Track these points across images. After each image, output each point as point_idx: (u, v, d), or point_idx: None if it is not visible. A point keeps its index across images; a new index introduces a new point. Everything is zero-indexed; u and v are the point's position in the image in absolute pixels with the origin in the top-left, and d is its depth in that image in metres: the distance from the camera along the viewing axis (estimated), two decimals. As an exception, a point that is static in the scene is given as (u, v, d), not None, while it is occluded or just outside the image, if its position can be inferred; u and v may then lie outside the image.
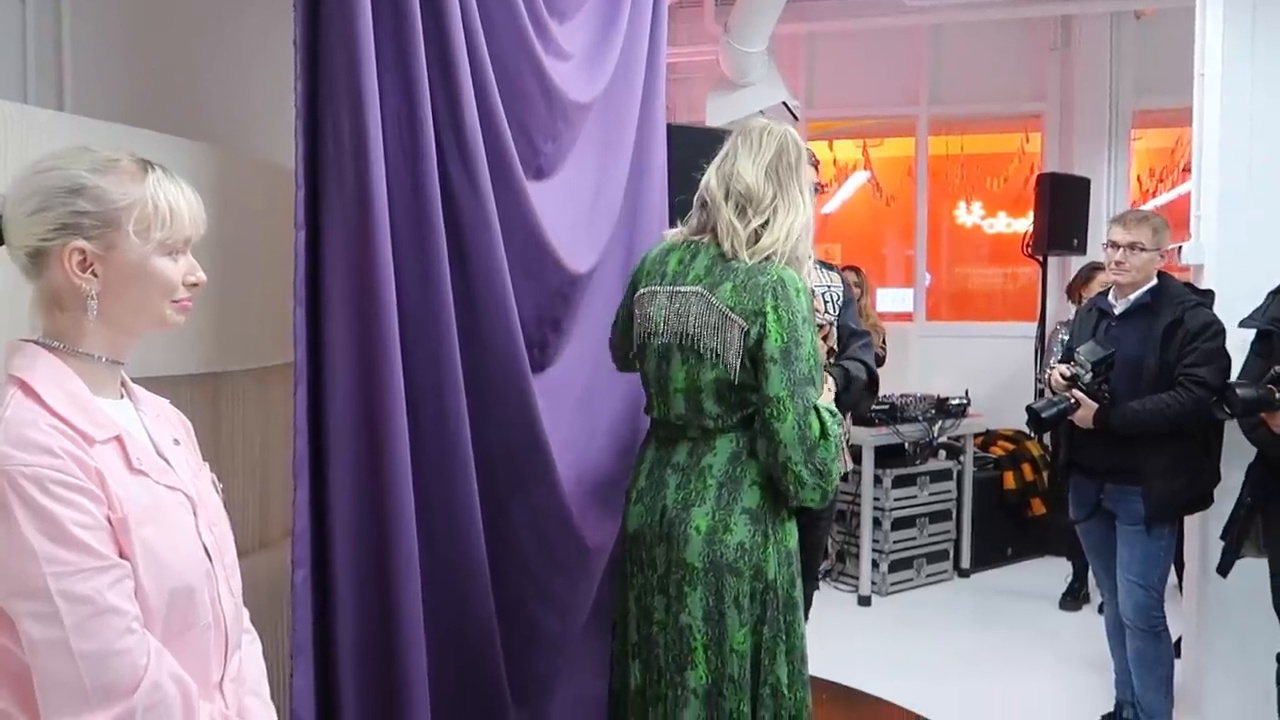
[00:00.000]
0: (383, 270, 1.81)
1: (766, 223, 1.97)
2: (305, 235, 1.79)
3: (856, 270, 5.29)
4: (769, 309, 1.89)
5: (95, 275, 1.12)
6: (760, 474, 1.95)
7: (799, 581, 2.02)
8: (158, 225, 1.14)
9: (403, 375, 1.86)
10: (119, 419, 1.17)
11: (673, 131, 2.93)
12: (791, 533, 2.01)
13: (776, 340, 1.88)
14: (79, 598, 1.03)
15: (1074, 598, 4.55)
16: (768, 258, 1.94)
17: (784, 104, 5.19)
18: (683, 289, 1.99)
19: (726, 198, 1.99)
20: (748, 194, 1.98)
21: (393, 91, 1.87)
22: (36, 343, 1.14)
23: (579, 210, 2.51)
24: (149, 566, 1.10)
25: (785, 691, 1.95)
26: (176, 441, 1.27)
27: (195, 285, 1.20)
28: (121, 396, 1.22)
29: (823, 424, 1.90)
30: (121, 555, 1.09)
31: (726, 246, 1.97)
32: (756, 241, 1.96)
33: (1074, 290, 4.61)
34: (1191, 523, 3.30)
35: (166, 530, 1.14)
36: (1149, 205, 6.40)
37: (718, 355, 1.92)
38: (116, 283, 1.14)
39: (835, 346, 2.67)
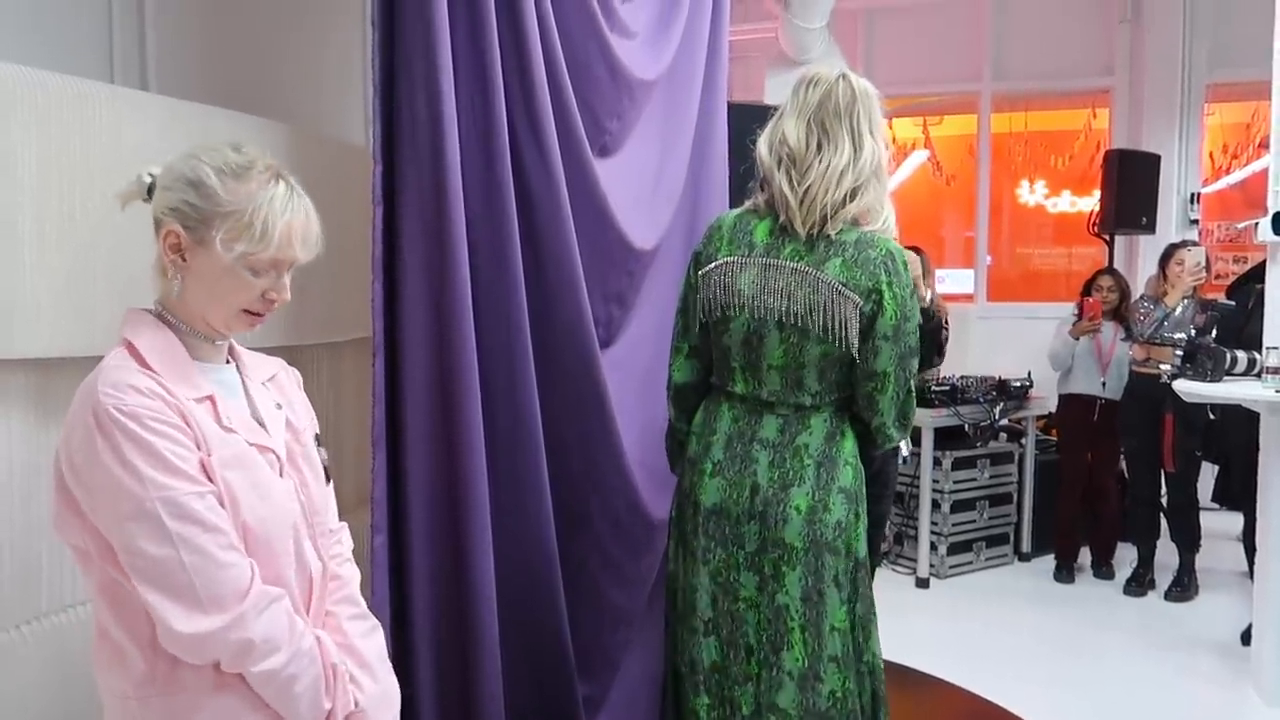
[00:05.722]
0: (457, 245, 1.85)
1: (813, 181, 1.86)
2: (382, 211, 1.82)
3: (918, 251, 5.21)
4: (884, 286, 1.85)
5: (184, 260, 1.21)
6: (852, 453, 1.96)
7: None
8: (244, 240, 1.21)
9: (475, 348, 1.90)
10: (216, 381, 1.25)
11: (731, 110, 2.92)
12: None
13: (891, 318, 1.86)
14: (185, 517, 1.13)
15: (1139, 583, 4.46)
16: (855, 222, 1.89)
17: (844, 81, 5.11)
18: (779, 263, 1.90)
19: (779, 165, 1.91)
20: (793, 155, 1.89)
21: (467, 69, 1.90)
22: (146, 310, 1.25)
23: (642, 188, 2.51)
24: (228, 507, 1.19)
25: (879, 666, 1.99)
26: (279, 406, 1.34)
27: (273, 303, 1.26)
28: (227, 361, 1.31)
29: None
30: None
31: (783, 218, 1.89)
32: (813, 205, 1.86)
33: (1163, 267, 4.49)
34: (1266, 503, 3.23)
35: (249, 481, 1.22)
36: (1222, 182, 6.21)
37: (830, 332, 1.86)
38: (197, 273, 1.22)
39: None
